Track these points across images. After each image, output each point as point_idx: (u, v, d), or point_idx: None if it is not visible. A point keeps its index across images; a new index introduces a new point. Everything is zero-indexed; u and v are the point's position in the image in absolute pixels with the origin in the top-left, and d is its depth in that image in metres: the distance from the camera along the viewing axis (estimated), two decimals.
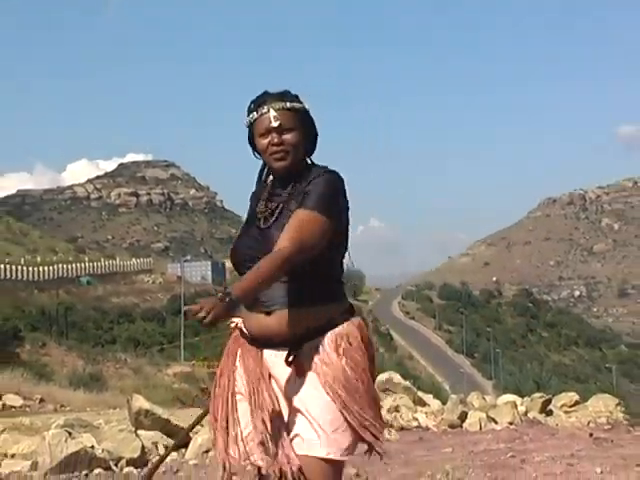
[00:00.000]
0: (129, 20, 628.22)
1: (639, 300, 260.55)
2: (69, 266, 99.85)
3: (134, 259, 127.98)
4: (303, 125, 3.53)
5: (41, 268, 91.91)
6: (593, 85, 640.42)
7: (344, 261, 3.54)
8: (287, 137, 3.46)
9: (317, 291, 3.41)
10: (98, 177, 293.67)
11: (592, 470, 8.24)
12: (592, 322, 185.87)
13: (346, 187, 3.51)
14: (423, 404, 20.23)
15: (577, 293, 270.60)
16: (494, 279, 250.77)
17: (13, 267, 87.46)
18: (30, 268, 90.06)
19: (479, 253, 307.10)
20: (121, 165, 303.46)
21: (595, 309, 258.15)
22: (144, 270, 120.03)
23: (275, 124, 3.45)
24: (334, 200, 3.41)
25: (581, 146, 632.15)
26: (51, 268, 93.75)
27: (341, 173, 3.49)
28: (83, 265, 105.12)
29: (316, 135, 3.61)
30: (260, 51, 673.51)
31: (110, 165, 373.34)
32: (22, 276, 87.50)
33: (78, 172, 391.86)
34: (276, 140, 3.45)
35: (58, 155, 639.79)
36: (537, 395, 18.74)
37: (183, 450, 11.31)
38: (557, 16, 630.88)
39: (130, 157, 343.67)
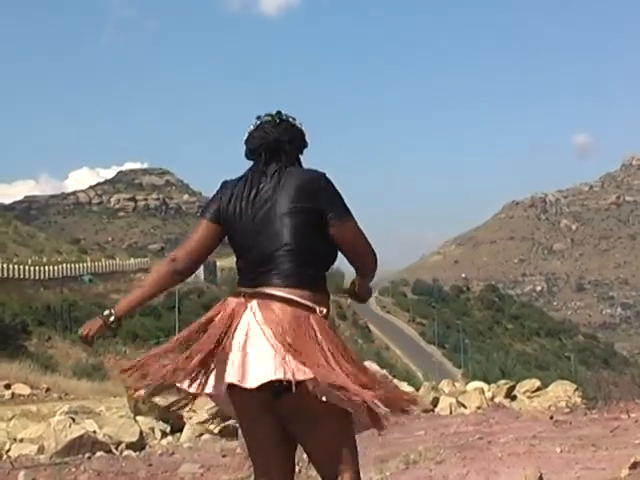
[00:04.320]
0: (126, 38, 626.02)
1: (595, 294, 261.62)
2: (72, 266, 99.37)
3: (132, 259, 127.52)
4: None
5: (46, 267, 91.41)
6: (550, 97, 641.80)
7: None
8: None
9: None
10: (99, 184, 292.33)
11: (552, 450, 8.29)
12: (552, 314, 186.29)
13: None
14: None
15: (539, 288, 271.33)
16: (463, 276, 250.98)
17: (21, 267, 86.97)
18: (36, 267, 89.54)
19: (449, 252, 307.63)
20: (120, 173, 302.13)
21: (555, 303, 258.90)
22: (142, 269, 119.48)
23: None
24: None
25: (541, 153, 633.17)
26: (56, 267, 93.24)
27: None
28: (85, 265, 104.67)
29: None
30: (248, 65, 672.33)
31: (110, 173, 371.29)
32: (29, 275, 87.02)
33: (80, 179, 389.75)
34: None
35: (61, 164, 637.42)
36: (502, 382, 18.85)
37: (178, 434, 11.32)
38: (517, 27, 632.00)
39: (128, 165, 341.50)
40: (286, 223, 3.53)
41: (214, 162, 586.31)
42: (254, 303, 3.47)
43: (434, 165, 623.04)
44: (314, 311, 3.49)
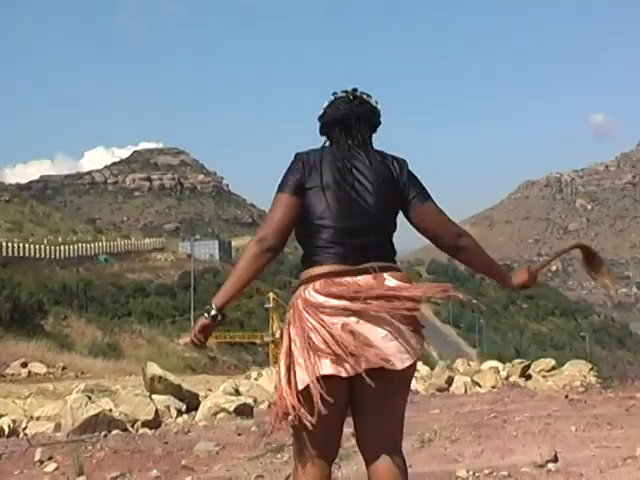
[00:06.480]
0: (141, 21, 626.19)
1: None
2: (88, 245, 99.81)
3: (147, 239, 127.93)
4: None
5: (62, 247, 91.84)
6: (567, 77, 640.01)
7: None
8: None
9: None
10: (114, 164, 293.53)
11: (567, 428, 8.28)
12: (568, 294, 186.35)
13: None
14: None
15: (554, 268, 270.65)
16: None
17: (37, 246, 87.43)
18: (52, 247, 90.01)
19: None
20: (135, 152, 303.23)
21: (570, 282, 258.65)
22: (157, 249, 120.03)
23: None
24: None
25: (557, 133, 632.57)
26: (72, 247, 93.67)
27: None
28: (101, 244, 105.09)
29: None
30: (263, 43, 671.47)
31: (125, 153, 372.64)
32: (45, 255, 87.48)
33: (95, 159, 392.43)
34: None
35: (77, 144, 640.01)
36: (517, 361, 18.85)
37: (193, 412, 11.35)
38: (535, 13, 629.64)
39: (143, 145, 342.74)
40: (379, 204, 3.54)
41: (229, 142, 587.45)
42: (389, 276, 3.44)
43: (449, 144, 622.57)
44: None
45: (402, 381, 3.52)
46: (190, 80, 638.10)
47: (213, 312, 3.48)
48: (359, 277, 3.41)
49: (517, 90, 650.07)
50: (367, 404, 3.52)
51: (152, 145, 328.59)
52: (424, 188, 3.68)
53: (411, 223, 3.67)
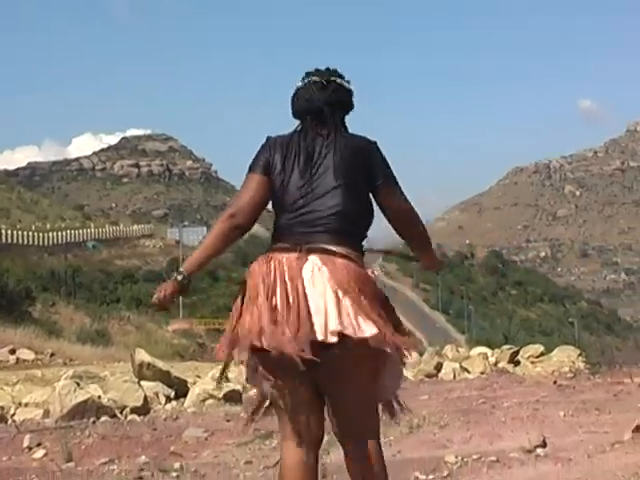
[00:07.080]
0: (129, 4, 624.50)
1: (599, 260, 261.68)
2: (76, 232, 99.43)
3: (136, 225, 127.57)
4: None
5: (50, 234, 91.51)
6: (556, 61, 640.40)
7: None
8: None
9: None
10: (102, 150, 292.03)
11: (556, 414, 8.31)
12: (556, 280, 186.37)
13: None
14: None
15: (542, 254, 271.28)
16: (467, 242, 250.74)
17: (25, 233, 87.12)
18: (40, 234, 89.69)
19: (453, 218, 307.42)
20: (123, 139, 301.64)
21: (559, 269, 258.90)
22: (145, 235, 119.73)
23: None
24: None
25: (545, 119, 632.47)
26: (60, 234, 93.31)
27: None
28: (89, 231, 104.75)
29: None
30: (251, 30, 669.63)
31: (113, 139, 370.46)
32: (33, 241, 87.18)
33: (83, 145, 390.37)
34: None
35: (64, 130, 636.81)
36: (506, 347, 18.94)
37: (182, 399, 11.36)
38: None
39: (131, 132, 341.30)
40: (339, 185, 3.55)
41: (218, 128, 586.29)
42: (315, 258, 3.44)
43: (438, 131, 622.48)
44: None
45: (349, 364, 3.44)
46: (178, 65, 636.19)
47: (182, 277, 3.64)
48: (286, 254, 3.47)
49: (505, 77, 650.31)
50: (325, 389, 3.55)
51: (140, 131, 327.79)
52: (391, 172, 3.71)
53: (377, 205, 3.70)
